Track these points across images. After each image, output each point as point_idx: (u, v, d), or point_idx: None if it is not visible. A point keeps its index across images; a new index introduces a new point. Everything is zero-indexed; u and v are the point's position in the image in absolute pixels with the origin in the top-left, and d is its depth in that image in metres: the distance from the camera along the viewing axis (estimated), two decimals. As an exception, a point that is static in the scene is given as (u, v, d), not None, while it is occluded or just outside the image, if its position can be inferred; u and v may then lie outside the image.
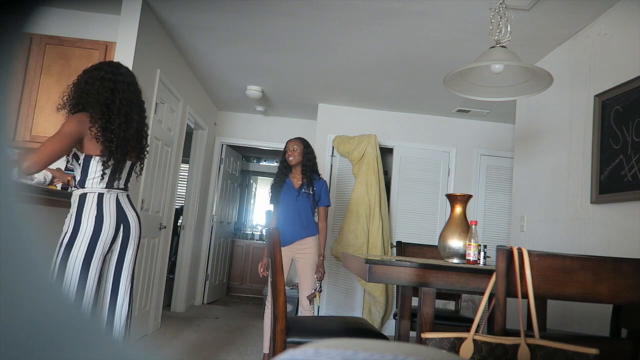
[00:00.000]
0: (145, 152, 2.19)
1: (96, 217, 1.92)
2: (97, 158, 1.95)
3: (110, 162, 1.96)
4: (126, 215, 2.04)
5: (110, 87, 1.97)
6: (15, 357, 0.23)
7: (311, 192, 3.24)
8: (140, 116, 2.10)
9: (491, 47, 2.10)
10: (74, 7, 3.37)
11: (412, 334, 2.40)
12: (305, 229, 3.21)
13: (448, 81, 2.23)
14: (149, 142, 2.21)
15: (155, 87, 3.50)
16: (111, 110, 1.95)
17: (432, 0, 2.83)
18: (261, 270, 3.27)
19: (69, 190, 2.23)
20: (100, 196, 1.96)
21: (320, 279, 3.21)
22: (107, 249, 1.96)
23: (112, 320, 2.02)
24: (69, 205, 1.98)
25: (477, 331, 1.42)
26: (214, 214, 5.87)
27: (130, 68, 2.95)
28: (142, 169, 2.23)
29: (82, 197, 1.94)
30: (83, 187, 1.96)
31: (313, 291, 3.13)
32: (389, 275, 1.73)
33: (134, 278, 2.12)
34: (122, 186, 2.06)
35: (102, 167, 1.96)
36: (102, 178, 1.96)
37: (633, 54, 2.54)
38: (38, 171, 1.83)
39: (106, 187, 1.98)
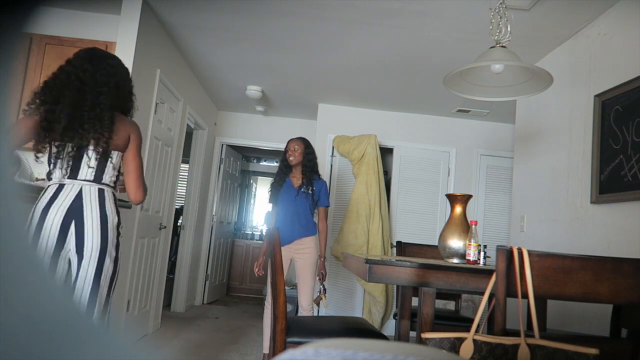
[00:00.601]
0: (103, 136, 1.79)
1: (42, 210, 1.73)
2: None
3: (40, 146, 1.75)
4: (82, 213, 1.74)
5: (55, 73, 1.82)
6: (15, 357, 0.23)
7: (310, 192, 3.24)
8: (79, 93, 1.78)
9: (491, 47, 2.10)
10: (74, 7, 3.37)
11: (412, 334, 2.40)
12: (304, 228, 3.21)
13: (448, 81, 2.23)
14: (107, 126, 1.80)
15: (155, 87, 3.50)
16: (45, 94, 1.78)
17: (432, 0, 2.83)
18: (256, 270, 3.27)
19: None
20: (60, 187, 1.77)
21: (322, 281, 3.21)
22: (53, 247, 1.71)
23: None
24: None
25: (477, 331, 1.42)
26: (214, 214, 5.87)
27: (130, 68, 2.95)
28: (100, 151, 1.81)
29: (45, 190, 1.80)
30: (49, 178, 1.84)
31: (318, 294, 3.12)
32: (389, 275, 1.73)
33: (103, 293, 1.79)
34: (88, 177, 1.79)
35: (47, 155, 1.79)
36: (55, 166, 1.79)
37: (633, 54, 2.54)
38: (11, 149, 1.76)
39: (69, 178, 1.78)
